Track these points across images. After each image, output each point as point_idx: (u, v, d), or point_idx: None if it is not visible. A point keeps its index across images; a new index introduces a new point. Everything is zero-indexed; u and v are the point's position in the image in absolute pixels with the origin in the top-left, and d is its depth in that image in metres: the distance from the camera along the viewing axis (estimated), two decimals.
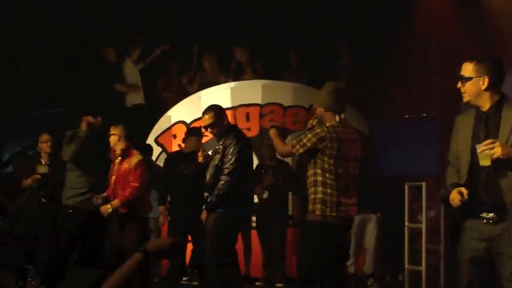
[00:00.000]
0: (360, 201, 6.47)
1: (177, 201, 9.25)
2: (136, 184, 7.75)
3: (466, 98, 4.97)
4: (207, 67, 11.86)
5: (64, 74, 10.83)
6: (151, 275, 8.67)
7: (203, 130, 7.77)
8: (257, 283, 9.79)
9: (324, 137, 6.14)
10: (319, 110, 6.38)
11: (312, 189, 6.26)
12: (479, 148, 4.72)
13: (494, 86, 4.90)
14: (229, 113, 10.02)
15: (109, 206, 7.75)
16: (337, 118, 6.28)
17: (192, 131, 9.57)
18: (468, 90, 4.93)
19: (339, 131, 6.22)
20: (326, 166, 6.18)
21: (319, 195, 6.20)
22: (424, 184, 9.05)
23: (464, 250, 5.00)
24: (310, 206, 6.26)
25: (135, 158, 7.84)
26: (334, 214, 6.17)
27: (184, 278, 9.54)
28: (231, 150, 7.22)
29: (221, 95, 10.46)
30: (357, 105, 10.32)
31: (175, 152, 10.06)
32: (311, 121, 6.51)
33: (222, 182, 7.17)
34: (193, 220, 9.03)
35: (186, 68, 12.10)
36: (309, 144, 6.18)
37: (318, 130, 6.21)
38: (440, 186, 8.99)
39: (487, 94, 4.90)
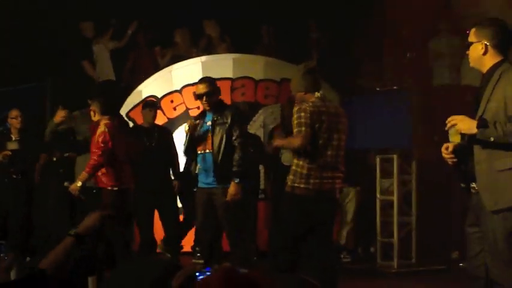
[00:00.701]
0: None
1: (142, 175, 9.19)
2: (97, 151, 7.68)
3: (470, 63, 5.01)
4: (178, 41, 11.77)
5: (35, 48, 10.68)
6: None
7: (195, 98, 7.76)
8: None
9: (312, 111, 6.23)
10: (299, 95, 6.46)
11: (293, 160, 6.39)
12: (446, 127, 4.78)
13: (494, 51, 4.88)
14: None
15: (77, 182, 7.72)
16: (317, 94, 6.38)
17: (147, 104, 9.55)
18: (471, 55, 4.96)
19: (320, 105, 6.32)
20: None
21: (293, 167, 6.33)
22: (395, 157, 9.10)
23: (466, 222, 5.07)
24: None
25: (100, 127, 7.78)
26: (302, 186, 6.26)
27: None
28: (235, 123, 7.42)
29: (192, 69, 10.41)
30: (329, 79, 10.32)
31: (135, 126, 9.97)
32: (295, 108, 6.50)
33: (240, 155, 7.39)
34: (160, 192, 9.00)
35: (157, 41, 11.99)
36: (308, 122, 6.23)
37: (301, 107, 6.27)
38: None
39: (486, 59, 4.89)
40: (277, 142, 6.97)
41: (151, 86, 10.56)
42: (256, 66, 10.53)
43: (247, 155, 7.62)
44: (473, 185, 4.85)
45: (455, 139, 4.76)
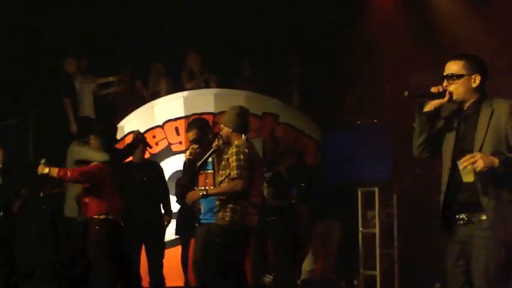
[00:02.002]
0: (324, 209, 6.68)
1: (133, 210, 9.14)
2: (81, 171, 7.64)
3: (455, 96, 4.81)
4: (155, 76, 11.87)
5: (17, 84, 10.67)
6: None
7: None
8: None
9: (249, 153, 6.45)
10: (226, 130, 6.63)
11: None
12: (461, 165, 4.59)
13: (482, 85, 4.81)
14: (182, 123, 10.07)
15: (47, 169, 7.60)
16: (244, 137, 6.57)
17: (138, 139, 9.53)
18: (457, 89, 4.81)
19: (249, 147, 6.55)
20: None
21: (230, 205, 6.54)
22: (376, 189, 9.14)
23: (447, 255, 4.93)
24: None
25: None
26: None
27: None
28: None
29: (174, 104, 10.44)
30: (310, 113, 10.40)
31: (127, 162, 9.94)
32: (215, 142, 6.75)
33: None
34: (150, 227, 8.96)
35: (139, 74, 12.04)
36: (247, 165, 6.41)
37: (239, 150, 6.45)
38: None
39: (475, 92, 4.79)
40: (212, 191, 6.80)
41: (133, 122, 10.57)
42: (237, 100, 10.54)
43: None
44: (462, 215, 4.83)
45: (468, 178, 4.63)
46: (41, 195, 9.75)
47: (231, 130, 6.60)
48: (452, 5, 10.68)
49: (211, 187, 6.86)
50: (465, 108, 4.82)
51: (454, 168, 4.73)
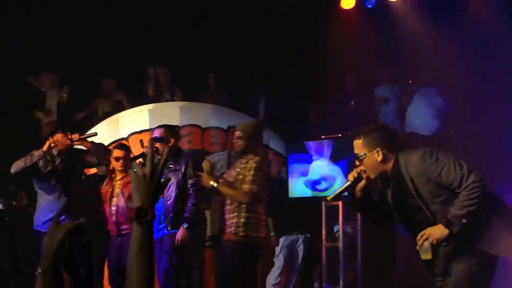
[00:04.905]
0: (288, 222, 6.77)
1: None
2: None
3: (371, 175, 4.90)
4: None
5: None
6: None
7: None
8: None
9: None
10: (244, 138, 6.96)
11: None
12: (417, 246, 4.75)
13: (389, 152, 4.89)
14: (147, 135, 10.05)
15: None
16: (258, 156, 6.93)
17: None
18: (367, 167, 4.90)
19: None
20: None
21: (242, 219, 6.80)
22: (341, 203, 9.19)
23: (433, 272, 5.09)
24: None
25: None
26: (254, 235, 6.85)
27: None
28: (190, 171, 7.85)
29: (139, 116, 10.42)
30: (274, 126, 10.43)
31: (90, 174, 9.89)
32: (253, 163, 6.85)
33: (193, 202, 7.83)
34: None
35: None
36: (261, 182, 6.78)
37: (259, 166, 6.78)
38: None
39: (385, 162, 4.88)
40: (223, 189, 7.02)
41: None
42: (202, 113, 10.57)
43: (199, 203, 7.98)
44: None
45: (426, 256, 4.76)
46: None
47: (247, 139, 6.90)
48: (415, 19, 10.83)
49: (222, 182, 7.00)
50: (390, 175, 4.93)
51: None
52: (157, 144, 7.68)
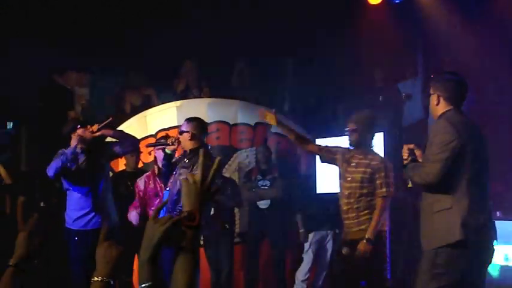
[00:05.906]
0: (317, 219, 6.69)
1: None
2: None
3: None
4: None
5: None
6: None
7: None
8: None
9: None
10: (360, 130, 7.07)
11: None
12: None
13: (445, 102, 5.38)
14: (175, 132, 10.07)
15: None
16: None
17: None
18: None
19: None
20: None
21: None
22: None
23: None
24: None
25: None
26: None
27: None
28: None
29: (167, 113, 10.46)
30: (301, 123, 10.42)
31: (120, 171, 9.97)
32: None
33: None
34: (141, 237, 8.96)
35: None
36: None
37: (386, 165, 6.88)
38: None
39: (438, 109, 5.44)
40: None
41: (126, 131, 10.56)
42: (230, 110, 10.58)
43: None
44: None
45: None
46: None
47: (362, 130, 6.89)
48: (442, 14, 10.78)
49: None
50: None
51: None
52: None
